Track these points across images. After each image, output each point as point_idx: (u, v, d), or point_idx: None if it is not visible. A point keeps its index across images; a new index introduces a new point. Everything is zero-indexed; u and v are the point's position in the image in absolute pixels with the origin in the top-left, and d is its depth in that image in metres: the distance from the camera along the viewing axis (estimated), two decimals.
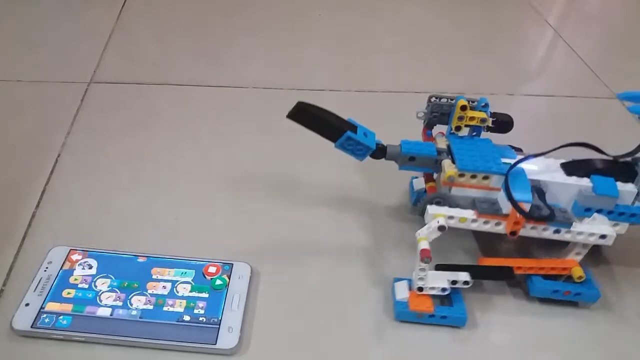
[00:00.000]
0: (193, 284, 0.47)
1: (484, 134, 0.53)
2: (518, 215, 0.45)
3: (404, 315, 0.46)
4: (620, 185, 0.47)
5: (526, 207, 0.45)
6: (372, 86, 0.78)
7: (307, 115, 0.46)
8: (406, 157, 0.50)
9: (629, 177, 0.48)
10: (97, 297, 0.45)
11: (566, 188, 0.48)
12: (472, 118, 0.52)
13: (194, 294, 0.46)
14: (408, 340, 0.45)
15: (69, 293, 0.45)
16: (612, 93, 0.81)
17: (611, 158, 0.49)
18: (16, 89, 0.71)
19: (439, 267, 0.47)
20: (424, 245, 0.44)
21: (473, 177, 0.48)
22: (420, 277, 0.45)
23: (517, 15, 1.03)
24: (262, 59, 0.82)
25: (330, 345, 0.44)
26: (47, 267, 0.47)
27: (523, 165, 0.48)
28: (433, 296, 0.46)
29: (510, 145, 0.52)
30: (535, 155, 0.49)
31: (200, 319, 0.44)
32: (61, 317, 0.44)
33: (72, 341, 0.43)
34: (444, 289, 0.46)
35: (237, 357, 0.43)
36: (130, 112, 0.69)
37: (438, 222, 0.44)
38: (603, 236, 0.46)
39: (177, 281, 0.47)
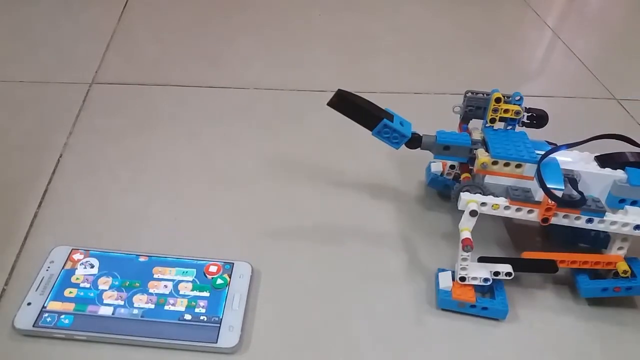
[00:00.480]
0: (194, 283, 0.47)
1: (519, 129, 0.54)
2: (550, 201, 0.45)
3: (446, 303, 0.47)
4: None
5: (558, 193, 0.45)
6: (373, 87, 0.78)
7: (346, 103, 0.47)
8: (441, 147, 0.51)
9: None
10: (99, 297, 0.46)
11: (600, 179, 0.49)
12: (506, 111, 0.52)
13: (195, 293, 0.46)
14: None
15: (70, 292, 0.46)
16: (610, 94, 0.81)
17: None
18: (18, 90, 0.72)
19: (481, 260, 0.48)
20: (466, 234, 0.45)
21: (506, 165, 0.49)
22: (463, 266, 0.46)
23: (516, 16, 1.04)
24: (263, 60, 0.83)
25: (330, 344, 0.45)
26: (49, 267, 0.48)
27: (556, 155, 0.49)
28: (475, 288, 0.47)
29: (546, 141, 0.52)
30: (569, 146, 0.49)
31: (201, 318, 0.44)
32: (63, 316, 0.44)
33: (74, 340, 0.43)
34: (486, 280, 0.47)
35: (237, 355, 0.43)
36: (131, 112, 0.69)
37: (470, 208, 0.45)
38: (638, 227, 0.46)
39: (179, 280, 0.47)
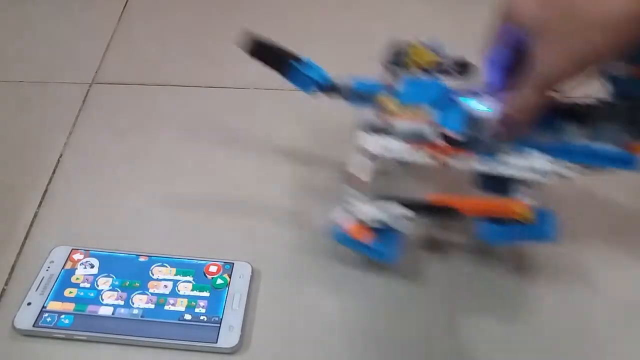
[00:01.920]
0: (194, 283, 0.47)
1: (446, 80, 0.53)
2: (443, 142, 0.45)
3: (339, 236, 0.47)
4: (566, 126, 0.46)
5: (454, 135, 0.45)
6: None
7: (259, 46, 0.49)
8: (354, 93, 0.51)
9: (581, 122, 0.47)
10: (99, 297, 0.46)
11: None
12: (424, 59, 0.52)
13: (195, 293, 0.46)
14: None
15: (70, 292, 0.46)
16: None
17: (571, 101, 0.48)
18: (18, 90, 0.72)
19: (382, 198, 0.47)
20: (358, 173, 0.45)
21: (410, 109, 0.48)
22: (354, 204, 0.46)
23: None
24: None
25: (330, 344, 0.45)
26: (49, 267, 0.48)
27: (470, 102, 0.48)
28: (374, 230, 0.47)
29: (472, 90, 0.51)
30: (482, 93, 0.48)
31: (201, 318, 0.44)
32: (63, 316, 0.44)
33: (74, 340, 0.43)
34: (381, 221, 0.46)
35: (237, 355, 0.43)
36: (132, 112, 0.69)
37: (368, 149, 0.45)
38: (538, 171, 0.45)
39: (178, 280, 0.47)
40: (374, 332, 0.46)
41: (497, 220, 0.47)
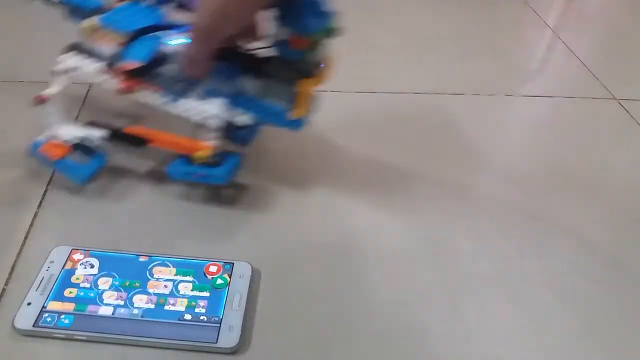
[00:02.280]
0: (194, 283, 0.47)
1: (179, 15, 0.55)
2: (124, 71, 0.48)
3: (33, 152, 0.51)
4: (244, 76, 0.50)
5: (132, 65, 0.48)
6: (373, 87, 0.78)
7: None
8: (69, 7, 0.54)
9: (256, 74, 0.50)
10: (99, 297, 0.46)
11: None
12: None
13: (195, 293, 0.46)
14: None
15: (70, 292, 0.46)
16: (610, 94, 0.81)
17: (249, 54, 0.51)
18: (18, 89, 0.72)
19: (90, 123, 0.52)
20: (46, 91, 0.48)
21: (110, 33, 0.50)
22: (49, 123, 0.49)
23: (516, 16, 1.04)
24: None
25: (330, 344, 0.45)
26: (49, 267, 0.48)
27: (175, 36, 0.50)
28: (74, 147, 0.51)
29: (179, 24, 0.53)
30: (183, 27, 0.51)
31: (201, 318, 0.45)
32: (63, 316, 0.44)
33: (74, 340, 0.43)
34: (74, 140, 0.50)
35: (237, 356, 0.43)
36: (132, 112, 0.69)
37: (63, 66, 0.48)
38: (211, 116, 0.49)
39: (178, 280, 0.47)
40: (375, 331, 0.46)
41: (184, 158, 0.52)
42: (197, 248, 0.51)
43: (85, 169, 0.50)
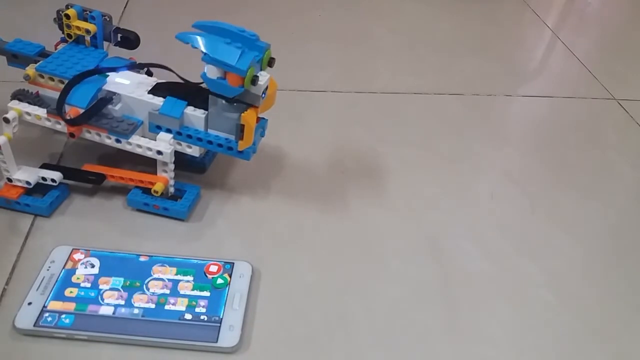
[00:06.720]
0: (194, 282, 0.47)
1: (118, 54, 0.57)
2: (65, 117, 0.50)
3: None
4: (190, 109, 0.51)
5: (79, 111, 0.50)
6: (373, 87, 0.78)
7: None
8: (10, 54, 0.55)
9: (206, 104, 0.51)
10: (100, 296, 0.46)
11: (142, 104, 0.52)
12: (78, 28, 0.54)
13: (196, 292, 0.46)
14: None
15: (71, 292, 0.46)
16: (610, 94, 0.81)
17: (197, 85, 0.52)
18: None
19: (42, 166, 0.54)
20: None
21: (51, 79, 0.52)
22: (5, 168, 0.51)
23: (516, 17, 1.04)
24: None
25: (330, 343, 0.45)
26: (49, 267, 0.48)
27: (118, 77, 0.53)
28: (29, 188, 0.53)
29: (140, 65, 0.55)
30: (128, 67, 0.54)
31: (202, 317, 0.45)
32: (63, 315, 0.44)
33: (74, 340, 0.43)
34: (28, 182, 0.52)
35: (238, 355, 0.43)
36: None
37: (7, 114, 0.50)
38: (159, 152, 0.51)
39: (179, 280, 0.47)
40: (375, 331, 0.46)
41: (144, 190, 0.53)
42: (197, 248, 0.51)
43: (45, 200, 0.52)
